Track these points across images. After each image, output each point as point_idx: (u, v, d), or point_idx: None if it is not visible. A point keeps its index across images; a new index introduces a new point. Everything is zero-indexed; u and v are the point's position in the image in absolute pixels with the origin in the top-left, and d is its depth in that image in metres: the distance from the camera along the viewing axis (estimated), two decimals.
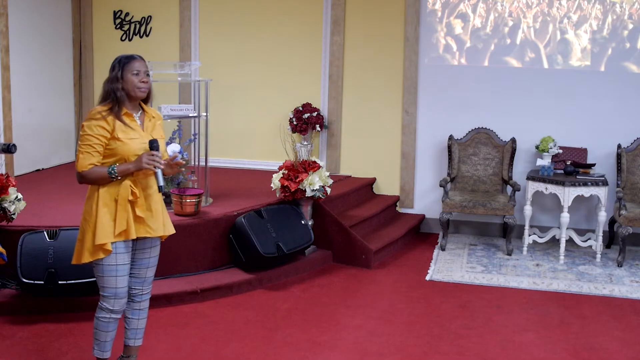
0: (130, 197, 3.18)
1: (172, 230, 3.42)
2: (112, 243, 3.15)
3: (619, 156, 6.01)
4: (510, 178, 6.27)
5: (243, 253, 4.97)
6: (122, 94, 3.18)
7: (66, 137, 7.25)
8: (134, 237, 3.20)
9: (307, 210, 5.51)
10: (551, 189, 5.82)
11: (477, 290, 5.04)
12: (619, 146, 6.03)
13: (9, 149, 3.71)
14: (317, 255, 5.52)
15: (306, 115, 6.69)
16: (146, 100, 3.33)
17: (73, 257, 3.25)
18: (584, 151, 6.17)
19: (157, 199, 3.32)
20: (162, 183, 3.18)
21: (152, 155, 3.14)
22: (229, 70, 7.11)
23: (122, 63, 3.21)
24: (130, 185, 3.19)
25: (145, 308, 3.46)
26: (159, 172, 3.17)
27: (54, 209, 5.08)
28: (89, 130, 3.12)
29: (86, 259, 3.16)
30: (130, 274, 3.35)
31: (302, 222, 5.36)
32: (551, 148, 6.09)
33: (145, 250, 3.34)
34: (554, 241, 6.23)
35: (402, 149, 6.77)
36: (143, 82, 3.20)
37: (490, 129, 6.47)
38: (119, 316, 3.30)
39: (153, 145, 3.19)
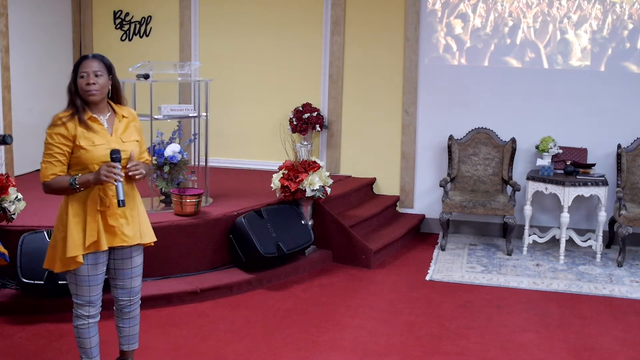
0: (100, 207, 3.03)
1: (152, 239, 3.26)
2: (82, 255, 3.02)
3: (619, 156, 6.01)
4: (510, 178, 6.27)
5: (243, 253, 4.97)
6: (79, 99, 3.03)
7: None
8: (105, 248, 3.06)
9: (307, 210, 5.51)
10: (551, 189, 5.82)
11: (477, 290, 5.04)
12: (619, 146, 6.03)
13: (5, 140, 3.69)
14: (317, 255, 5.52)
15: (306, 115, 6.69)
16: (115, 100, 3.17)
17: (45, 261, 3.15)
18: (584, 151, 6.17)
19: (133, 205, 3.16)
20: (122, 197, 2.96)
21: (111, 167, 2.94)
22: (229, 70, 7.11)
23: (75, 66, 3.06)
24: (100, 195, 3.04)
25: (136, 315, 3.36)
26: (120, 185, 2.96)
27: (54, 209, 5.05)
28: (49, 139, 2.99)
29: (58, 269, 3.07)
30: (116, 284, 3.24)
31: (302, 222, 5.36)
32: (551, 148, 6.09)
33: (126, 260, 3.20)
34: (554, 241, 6.23)
35: (402, 149, 6.77)
36: (89, 84, 3.00)
37: (490, 129, 6.47)
38: (97, 319, 3.20)
39: (113, 156, 2.98)
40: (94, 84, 3.02)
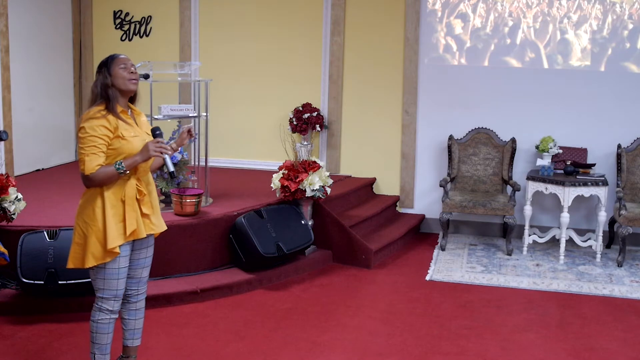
0: (138, 196, 3.17)
1: (165, 227, 3.43)
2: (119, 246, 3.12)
3: (619, 156, 6.01)
4: (510, 178, 6.27)
5: (243, 253, 4.97)
6: (114, 91, 3.13)
7: (66, 137, 7.25)
8: (144, 235, 3.19)
9: (307, 210, 5.51)
10: (551, 189, 5.82)
11: (477, 290, 5.04)
12: (619, 146, 6.03)
13: (0, 136, 3.70)
14: (317, 255, 5.52)
15: (306, 115, 6.69)
16: (133, 100, 3.30)
17: (69, 261, 3.18)
18: (584, 151, 6.17)
19: (155, 195, 3.33)
20: (172, 169, 3.20)
21: (158, 142, 3.11)
22: (229, 70, 7.11)
23: (108, 61, 3.18)
24: (136, 184, 3.17)
25: (142, 308, 3.45)
26: (167, 157, 3.17)
27: (54, 209, 5.07)
28: (91, 131, 3.04)
29: (91, 263, 3.10)
30: (126, 274, 3.31)
31: (302, 222, 5.36)
32: (551, 148, 6.09)
33: (142, 250, 3.32)
34: (554, 241, 6.23)
35: (402, 149, 6.77)
36: (132, 72, 3.16)
37: (490, 129, 6.47)
38: (117, 315, 3.28)
39: (156, 132, 3.19)
40: (135, 73, 3.19)
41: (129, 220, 3.12)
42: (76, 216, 3.19)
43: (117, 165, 3.06)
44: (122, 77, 3.14)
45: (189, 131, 3.41)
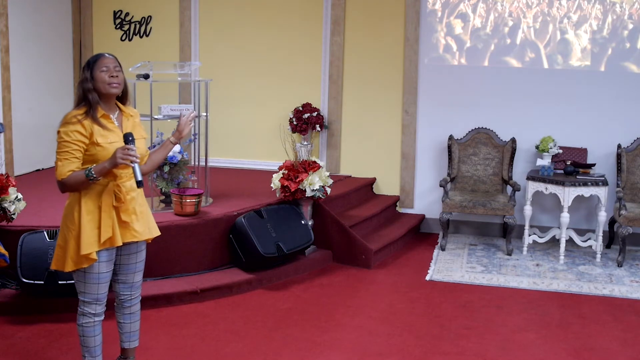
0: (115, 203, 3.09)
1: (157, 233, 3.35)
2: (96, 252, 3.07)
3: (619, 156, 6.01)
4: (510, 178, 6.27)
5: (243, 253, 4.97)
6: (94, 95, 3.07)
7: None
8: (120, 243, 3.11)
9: (307, 210, 5.51)
10: (551, 189, 5.82)
11: (477, 290, 5.04)
12: (619, 146, 6.03)
13: None
14: (317, 255, 5.52)
15: (306, 115, 6.69)
16: (123, 100, 3.23)
17: (52, 263, 3.16)
18: (584, 151, 6.17)
19: (142, 201, 3.25)
20: (140, 178, 3.02)
21: (127, 149, 2.99)
22: (229, 70, 7.11)
23: (90, 63, 3.11)
24: (115, 191, 3.10)
25: (137, 311, 3.42)
26: (136, 166, 3.02)
27: (54, 209, 5.07)
28: (65, 137, 3.00)
29: (69, 267, 3.08)
30: (118, 279, 3.30)
31: (302, 222, 5.36)
32: (551, 148, 6.09)
33: (132, 256, 3.28)
34: (554, 241, 6.23)
35: (402, 149, 6.77)
36: (112, 76, 3.08)
37: (490, 129, 6.47)
38: (102, 317, 3.24)
39: (128, 139, 3.06)
40: (116, 77, 3.10)
41: (104, 227, 3.07)
42: (62, 219, 3.17)
43: (86, 172, 3.00)
44: (103, 80, 3.07)
45: (187, 122, 3.37)
